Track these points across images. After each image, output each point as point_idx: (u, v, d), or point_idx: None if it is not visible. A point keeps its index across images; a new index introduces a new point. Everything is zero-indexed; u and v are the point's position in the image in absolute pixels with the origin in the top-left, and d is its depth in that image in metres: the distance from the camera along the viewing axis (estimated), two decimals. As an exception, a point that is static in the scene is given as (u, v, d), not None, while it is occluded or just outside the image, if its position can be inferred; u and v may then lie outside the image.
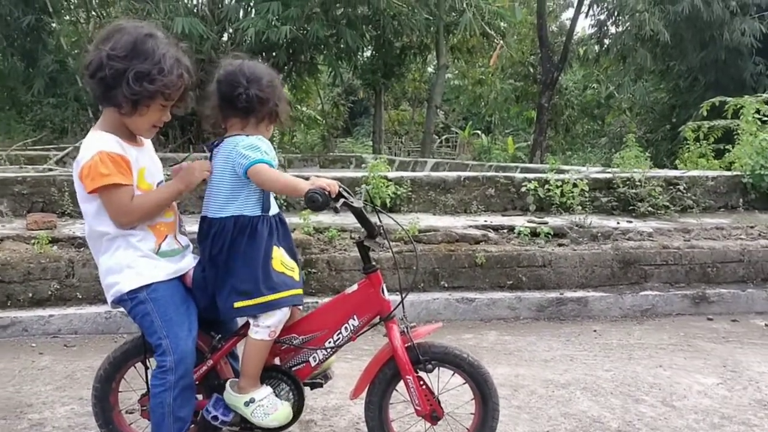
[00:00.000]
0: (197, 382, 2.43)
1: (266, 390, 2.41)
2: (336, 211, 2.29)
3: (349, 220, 2.37)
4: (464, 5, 12.74)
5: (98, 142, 2.20)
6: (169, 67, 2.17)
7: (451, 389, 2.58)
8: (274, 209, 2.43)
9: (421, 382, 2.49)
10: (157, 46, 2.18)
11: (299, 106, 19.56)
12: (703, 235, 5.84)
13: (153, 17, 12.15)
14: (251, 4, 13.82)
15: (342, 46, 14.41)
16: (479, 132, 24.35)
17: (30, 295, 4.59)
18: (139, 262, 2.28)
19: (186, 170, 2.35)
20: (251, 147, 2.29)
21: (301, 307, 2.58)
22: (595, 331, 4.74)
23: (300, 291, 2.40)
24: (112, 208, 2.21)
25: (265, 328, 2.34)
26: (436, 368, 2.51)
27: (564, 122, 21.65)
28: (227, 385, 2.44)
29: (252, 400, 2.37)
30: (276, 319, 2.35)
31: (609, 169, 7.81)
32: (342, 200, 2.31)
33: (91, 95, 2.27)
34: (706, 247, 5.57)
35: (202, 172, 2.35)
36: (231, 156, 2.31)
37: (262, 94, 2.36)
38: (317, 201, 2.18)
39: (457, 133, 25.47)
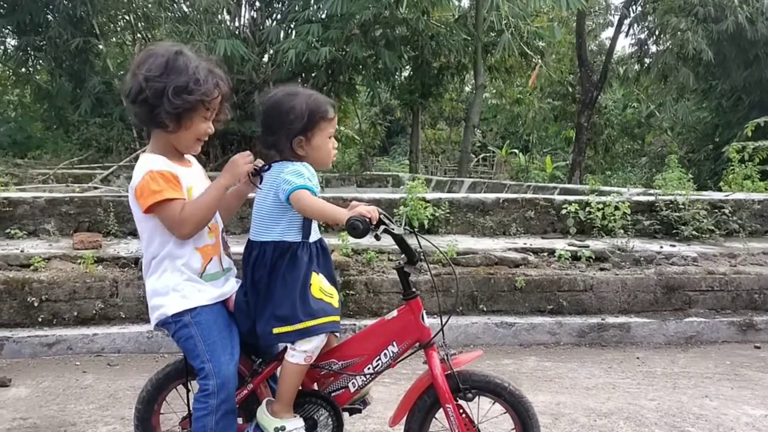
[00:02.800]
0: (237, 406, 2.44)
1: (298, 422, 2.40)
2: (377, 238, 2.29)
3: (387, 242, 2.37)
4: (503, 25, 12.72)
5: (147, 163, 2.28)
6: (203, 78, 2.24)
7: (492, 418, 2.55)
8: (315, 236, 2.44)
9: (461, 411, 2.46)
10: (189, 61, 2.26)
11: (337, 126, 19.68)
12: (750, 260, 5.70)
13: (196, 39, 12.43)
14: (292, 26, 14.06)
15: (380, 66, 14.54)
16: (517, 151, 24.24)
17: (75, 313, 4.69)
18: (185, 285, 2.31)
19: (230, 163, 2.36)
20: (295, 173, 2.31)
21: (338, 334, 2.58)
22: (638, 358, 4.64)
23: (337, 318, 2.40)
24: (168, 222, 2.25)
25: (301, 352, 2.35)
26: (477, 397, 2.49)
27: (603, 142, 21.41)
28: (263, 403, 2.45)
29: (282, 428, 2.37)
30: (313, 345, 2.35)
31: (651, 191, 7.68)
32: (383, 227, 2.31)
33: (136, 120, 2.34)
34: (753, 272, 5.43)
35: (246, 164, 2.35)
36: (276, 182, 2.34)
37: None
38: (358, 228, 2.18)
39: (494, 152, 25.40)
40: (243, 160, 2.35)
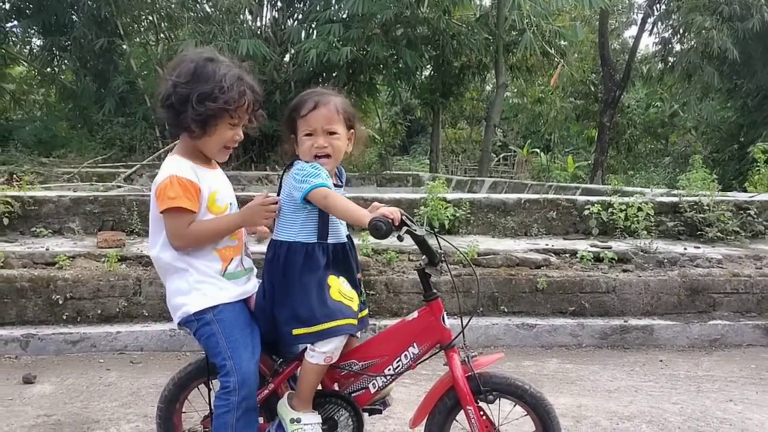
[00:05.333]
0: (259, 405, 2.45)
1: (315, 417, 2.41)
2: (400, 239, 2.29)
3: (407, 242, 2.37)
4: (524, 24, 12.66)
5: (173, 165, 2.31)
6: (229, 86, 2.26)
7: (513, 420, 2.54)
8: (336, 237, 2.43)
9: (482, 413, 2.45)
10: (218, 68, 2.28)
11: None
12: (776, 262, 5.60)
13: (219, 39, 12.52)
14: (313, 26, 14.12)
15: (401, 66, 14.55)
16: (538, 150, 24.09)
17: (99, 311, 4.74)
18: (207, 283, 2.34)
19: (251, 209, 2.36)
20: (311, 174, 2.32)
21: (359, 334, 2.58)
22: (661, 361, 4.59)
23: (355, 321, 2.39)
24: (170, 229, 2.29)
25: (321, 353, 2.35)
26: (498, 399, 2.47)
27: (626, 141, 21.21)
28: (285, 395, 2.46)
29: (298, 420, 2.38)
30: (332, 346, 2.35)
31: (675, 192, 7.59)
32: (405, 228, 2.30)
33: (166, 124, 2.37)
34: (779, 275, 5.34)
35: (264, 217, 2.36)
36: (291, 181, 2.36)
37: None
38: (381, 229, 2.18)
39: (515, 151, 25.27)
40: (260, 215, 2.35)
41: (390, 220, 2.20)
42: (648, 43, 32.08)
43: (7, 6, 16.07)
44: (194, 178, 2.29)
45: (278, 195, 2.45)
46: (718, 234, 6.19)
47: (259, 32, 14.97)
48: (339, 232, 2.45)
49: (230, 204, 2.43)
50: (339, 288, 2.37)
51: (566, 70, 17.12)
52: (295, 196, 2.33)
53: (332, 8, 13.77)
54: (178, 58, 2.40)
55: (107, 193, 6.62)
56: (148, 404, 3.57)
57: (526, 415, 2.51)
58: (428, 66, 16.93)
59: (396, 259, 5.19)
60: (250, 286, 2.47)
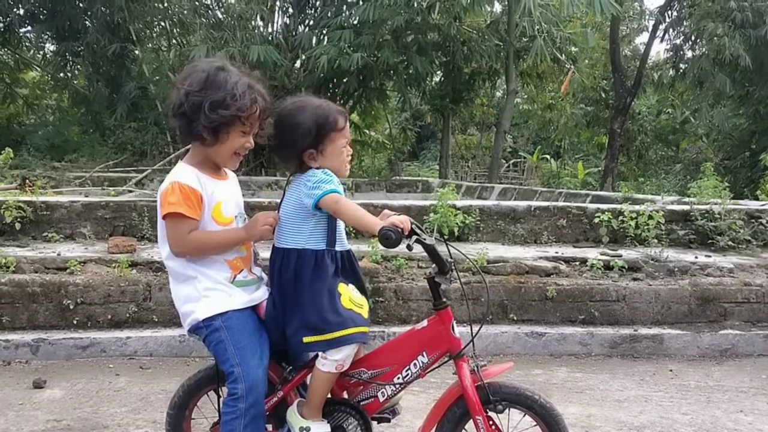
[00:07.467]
0: (267, 413, 2.46)
1: (324, 426, 2.42)
2: (409, 248, 2.29)
3: (416, 249, 2.38)
4: (535, 31, 12.64)
5: (177, 172, 2.34)
6: (241, 93, 2.28)
7: (522, 430, 2.53)
8: (342, 245, 2.44)
9: (491, 423, 2.44)
10: (229, 77, 2.31)
11: (368, 131, 19.80)
12: (788, 272, 5.56)
13: (230, 45, 12.58)
14: (324, 32, 14.15)
15: (411, 72, 14.57)
16: (548, 157, 24.04)
17: (109, 316, 4.76)
18: (215, 290, 2.35)
19: (252, 221, 2.40)
20: (323, 180, 2.33)
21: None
22: (671, 370, 4.56)
23: (366, 329, 2.39)
24: (170, 235, 2.31)
25: (333, 361, 2.35)
26: (507, 408, 2.47)
27: (636, 148, 21.13)
28: (295, 402, 2.47)
29: (307, 428, 2.38)
30: (344, 354, 2.36)
31: (686, 199, 7.55)
32: (414, 237, 2.31)
33: (178, 133, 2.39)
34: (792, 285, 5.30)
35: (264, 227, 2.37)
36: (301, 189, 2.36)
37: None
38: (391, 238, 2.19)
39: (525, 157, 25.22)
40: (262, 225, 2.37)
41: (399, 230, 2.21)
42: (659, 50, 31.97)
43: (22, 12, 16.23)
44: (196, 185, 2.31)
45: (281, 202, 2.46)
46: (730, 243, 6.14)
47: (270, 38, 15.03)
48: (344, 240, 2.47)
49: (236, 216, 2.44)
50: (349, 296, 2.38)
51: (577, 77, 17.07)
52: (306, 203, 2.33)
53: (343, 15, 13.81)
54: (188, 68, 2.42)
55: (118, 198, 6.65)
56: (157, 410, 3.58)
57: (535, 425, 2.50)
58: (438, 72, 16.96)
59: (405, 266, 5.19)
60: (259, 293, 2.48)
